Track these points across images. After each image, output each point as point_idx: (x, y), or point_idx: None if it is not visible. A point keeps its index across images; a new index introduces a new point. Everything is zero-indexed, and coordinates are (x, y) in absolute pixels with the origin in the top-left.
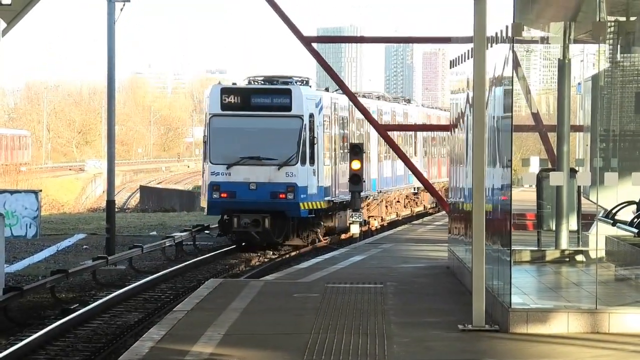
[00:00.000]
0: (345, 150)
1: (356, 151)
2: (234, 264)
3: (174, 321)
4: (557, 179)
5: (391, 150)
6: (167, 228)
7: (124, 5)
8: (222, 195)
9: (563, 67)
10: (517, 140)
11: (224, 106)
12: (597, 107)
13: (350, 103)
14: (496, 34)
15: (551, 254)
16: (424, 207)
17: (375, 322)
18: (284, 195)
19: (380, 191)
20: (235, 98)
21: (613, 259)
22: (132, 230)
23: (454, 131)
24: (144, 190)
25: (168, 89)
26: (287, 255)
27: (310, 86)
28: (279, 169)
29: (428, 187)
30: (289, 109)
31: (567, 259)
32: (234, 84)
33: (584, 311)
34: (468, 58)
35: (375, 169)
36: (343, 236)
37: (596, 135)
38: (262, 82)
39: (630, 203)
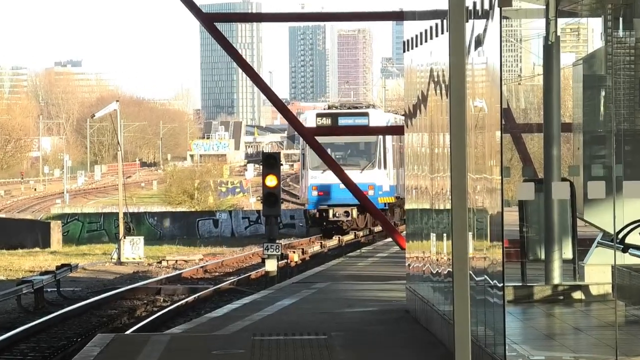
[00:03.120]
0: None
1: (271, 163)
2: (113, 316)
3: None
4: (561, 190)
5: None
6: (18, 271)
7: None
8: (319, 193)
9: (549, 49)
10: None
11: (319, 127)
12: (594, 99)
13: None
14: (474, 4)
15: (541, 290)
16: (355, 234)
17: None
18: (366, 192)
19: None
20: (327, 120)
21: (623, 296)
22: None
23: (412, 134)
24: None
25: (5, 88)
26: (185, 302)
27: (377, 108)
28: (361, 171)
29: (376, 213)
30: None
31: (562, 297)
32: (323, 108)
33: None
34: (436, 35)
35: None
36: (253, 275)
37: (592, 135)
38: (339, 107)
39: None
